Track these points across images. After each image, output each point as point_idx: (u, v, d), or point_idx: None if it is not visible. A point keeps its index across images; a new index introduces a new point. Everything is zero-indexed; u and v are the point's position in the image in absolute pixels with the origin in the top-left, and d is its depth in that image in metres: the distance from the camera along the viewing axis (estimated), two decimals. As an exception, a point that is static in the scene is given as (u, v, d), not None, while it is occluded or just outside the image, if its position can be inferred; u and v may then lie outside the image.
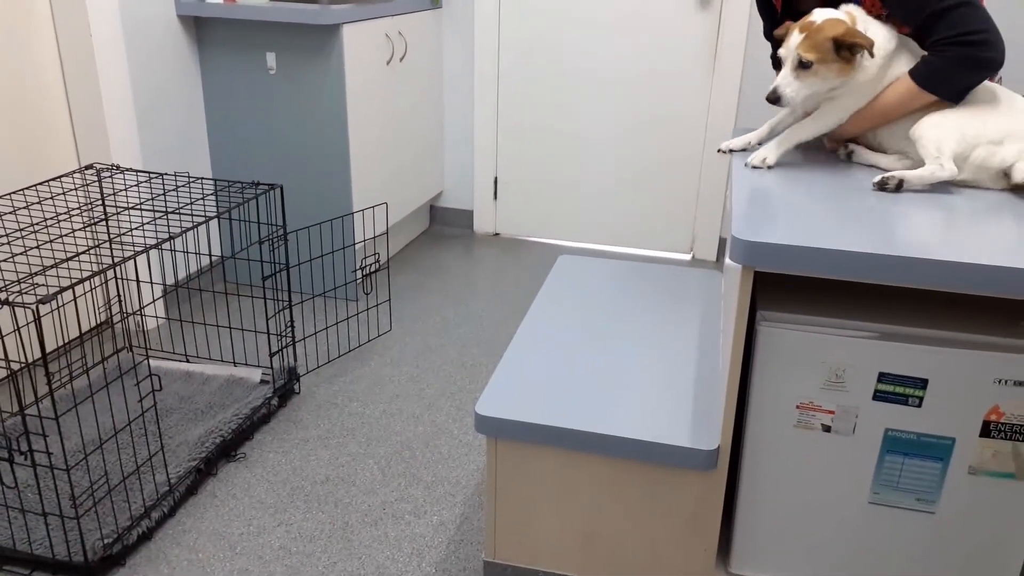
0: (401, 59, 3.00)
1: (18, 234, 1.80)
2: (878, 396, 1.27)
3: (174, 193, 2.13)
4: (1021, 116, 1.42)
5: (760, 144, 1.61)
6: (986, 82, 1.47)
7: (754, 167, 1.53)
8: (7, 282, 1.51)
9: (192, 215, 2.03)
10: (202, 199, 2.10)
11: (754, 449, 1.35)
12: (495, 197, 3.53)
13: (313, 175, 2.78)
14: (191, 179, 2.16)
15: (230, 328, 2.35)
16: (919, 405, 1.26)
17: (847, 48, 1.42)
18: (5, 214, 1.92)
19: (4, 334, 1.56)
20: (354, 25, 2.65)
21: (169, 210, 2.07)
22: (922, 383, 1.25)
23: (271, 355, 2.20)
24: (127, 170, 2.22)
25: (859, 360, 1.25)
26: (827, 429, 1.31)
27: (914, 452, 1.29)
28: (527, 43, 3.28)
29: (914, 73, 1.45)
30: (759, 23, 2.94)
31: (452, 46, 3.37)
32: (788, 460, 1.34)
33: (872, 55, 1.43)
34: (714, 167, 3.22)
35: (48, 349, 1.50)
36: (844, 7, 1.51)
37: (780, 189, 1.42)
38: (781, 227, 1.22)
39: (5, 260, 1.67)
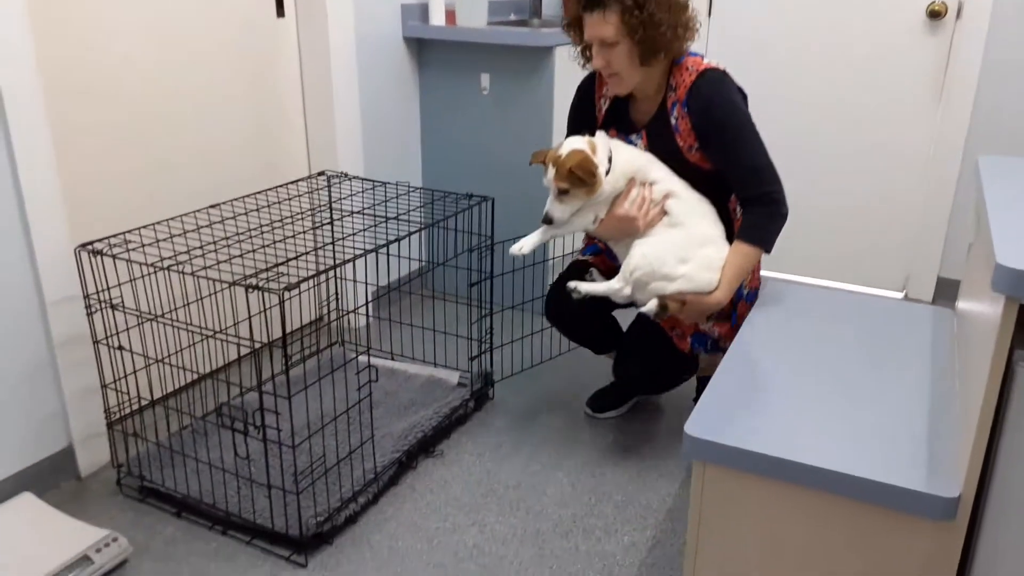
0: (607, 81, 3.03)
1: (258, 230, 1.99)
2: None
3: (394, 201, 2.26)
4: (704, 258, 1.81)
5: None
6: (704, 216, 1.86)
7: (513, 254, 1.90)
8: (249, 271, 1.67)
9: (409, 223, 2.15)
10: (419, 207, 2.23)
11: (1000, 501, 1.22)
12: (690, 222, 3.47)
13: (517, 190, 2.86)
14: (411, 188, 2.29)
15: (434, 331, 2.45)
16: None
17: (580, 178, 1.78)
18: (250, 211, 2.12)
19: (251, 315, 1.72)
20: (566, 47, 2.71)
21: (389, 216, 2.20)
22: None
23: (470, 359, 2.27)
24: (354, 178, 2.40)
25: None
26: (1094, 489, 1.16)
27: None
28: (731, 63, 3.21)
29: (747, 238, 1.84)
30: (995, 47, 2.74)
31: (657, 69, 3.36)
32: (1042, 519, 1.20)
33: (594, 187, 1.79)
34: (937, 201, 2.98)
35: (275, 336, 1.64)
36: (599, 135, 1.87)
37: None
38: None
39: (247, 253, 1.85)
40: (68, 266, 1.85)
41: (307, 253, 1.86)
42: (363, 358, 2.42)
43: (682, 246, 1.81)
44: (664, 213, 1.84)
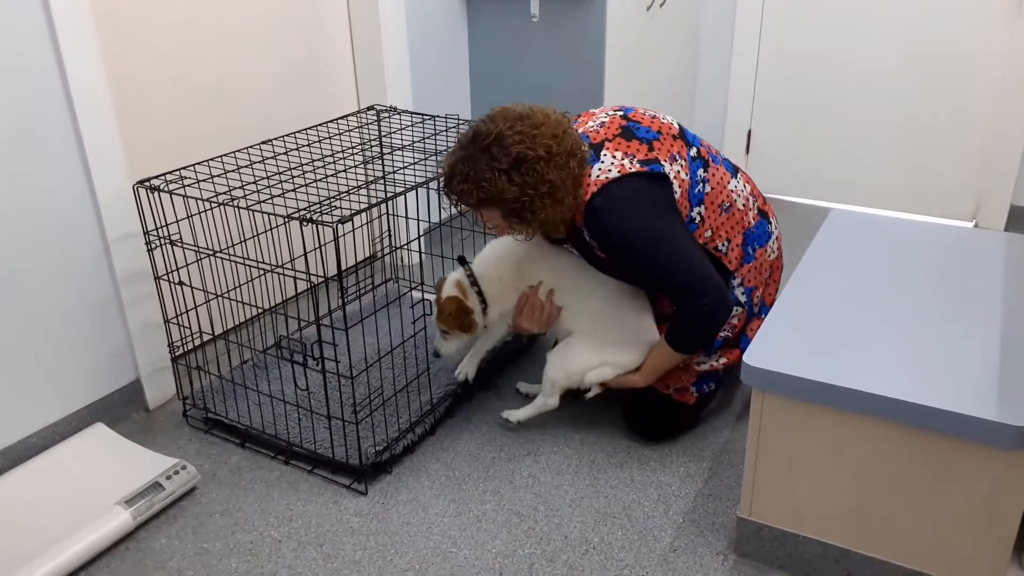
0: (661, 4, 2.92)
1: (310, 166, 1.99)
2: None
3: (443, 134, 2.24)
4: (619, 347, 1.79)
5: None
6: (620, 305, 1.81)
7: (460, 381, 1.98)
8: (302, 206, 1.67)
9: (460, 155, 2.11)
10: (469, 140, 2.18)
11: (1078, 433, 1.18)
12: (747, 151, 3.37)
13: (568, 122, 2.80)
14: (460, 121, 2.26)
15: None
16: None
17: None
18: (301, 147, 2.12)
19: (307, 251, 1.73)
20: (620, -31, 2.61)
21: (439, 150, 2.18)
22: None
23: (523, 294, 2.26)
24: (403, 112, 2.37)
25: None
26: None
27: None
28: (797, -14, 3.06)
29: (671, 342, 1.72)
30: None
31: (714, -9, 3.23)
32: (1122, 450, 1.16)
33: (473, 329, 1.84)
34: (1010, 124, 2.83)
35: (331, 273, 1.65)
36: (457, 275, 1.86)
37: None
38: None
39: (299, 188, 1.85)
40: (128, 203, 1.88)
41: (359, 188, 1.86)
42: (416, 293, 2.44)
43: (589, 336, 1.82)
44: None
